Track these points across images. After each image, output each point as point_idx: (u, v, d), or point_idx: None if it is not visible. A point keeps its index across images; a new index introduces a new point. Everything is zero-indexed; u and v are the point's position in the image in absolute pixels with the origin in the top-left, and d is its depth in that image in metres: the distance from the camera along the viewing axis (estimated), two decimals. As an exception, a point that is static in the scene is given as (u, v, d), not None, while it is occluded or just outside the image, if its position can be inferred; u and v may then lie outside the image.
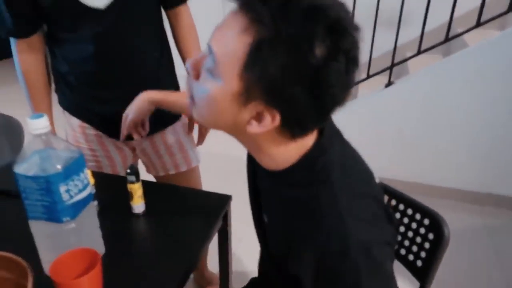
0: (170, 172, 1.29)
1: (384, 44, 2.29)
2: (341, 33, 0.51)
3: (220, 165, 2.45)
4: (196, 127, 1.24)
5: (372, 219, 0.62)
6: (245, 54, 0.51)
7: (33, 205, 0.69)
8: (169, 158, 1.27)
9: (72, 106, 1.18)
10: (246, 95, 0.54)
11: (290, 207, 0.64)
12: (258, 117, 0.56)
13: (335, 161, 0.63)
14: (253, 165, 0.75)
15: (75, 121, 1.19)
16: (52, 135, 0.68)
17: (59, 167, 0.66)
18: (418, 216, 0.94)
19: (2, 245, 0.69)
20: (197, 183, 1.36)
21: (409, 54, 2.19)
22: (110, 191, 0.98)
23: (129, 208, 0.93)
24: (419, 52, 2.09)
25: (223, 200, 0.99)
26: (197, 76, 0.59)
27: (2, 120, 1.73)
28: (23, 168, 0.67)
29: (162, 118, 1.20)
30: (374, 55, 2.27)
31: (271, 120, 0.55)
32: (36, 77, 1.14)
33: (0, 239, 0.76)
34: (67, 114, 1.20)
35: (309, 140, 0.62)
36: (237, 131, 0.60)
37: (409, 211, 0.97)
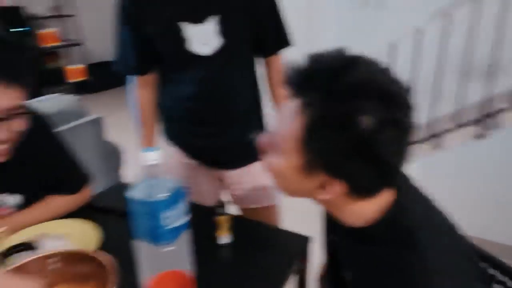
0: (251, 205, 1.36)
1: (476, 94, 2.21)
2: (389, 104, 0.54)
3: (301, 205, 2.46)
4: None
5: (461, 276, 0.60)
6: (302, 133, 0.57)
7: (138, 226, 0.78)
8: (252, 192, 1.33)
9: (171, 136, 1.32)
10: (309, 168, 0.59)
11: (376, 265, 0.64)
12: (324, 186, 0.60)
13: (416, 219, 0.64)
14: (329, 221, 0.78)
15: (172, 150, 1.32)
16: (160, 167, 0.78)
17: (164, 195, 0.75)
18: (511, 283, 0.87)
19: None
20: (277, 220, 1.40)
21: (504, 106, 2.07)
22: (198, 220, 1.06)
23: (215, 238, 0.99)
24: (515, 105, 1.97)
25: (303, 241, 1.01)
26: (269, 151, 0.67)
27: (108, 146, 1.96)
28: (134, 192, 0.76)
29: (250, 153, 1.28)
30: (465, 105, 2.19)
31: (337, 189, 0.59)
32: (148, 108, 1.30)
33: (104, 251, 0.86)
34: (166, 143, 1.33)
35: (386, 196, 0.64)
36: (309, 196, 0.65)
37: (500, 276, 0.91)
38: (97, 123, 1.84)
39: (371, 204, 0.63)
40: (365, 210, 0.64)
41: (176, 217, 0.78)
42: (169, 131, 1.32)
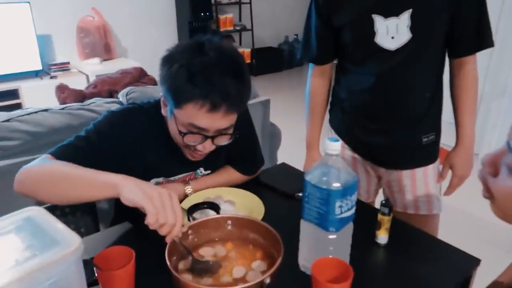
0: (408, 211, 1.30)
1: None
2: None
3: (462, 221, 2.26)
4: (448, 176, 1.21)
5: None
6: None
7: (310, 209, 0.83)
8: (411, 196, 1.28)
9: (339, 127, 1.34)
10: None
11: None
12: None
13: None
14: None
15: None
16: (339, 157, 0.80)
17: (340, 185, 0.78)
18: None
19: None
20: (434, 231, 1.32)
21: None
22: (357, 215, 1.07)
23: (373, 235, 0.99)
24: None
25: (470, 262, 0.93)
26: (495, 173, 0.59)
27: (270, 128, 2.11)
28: (311, 177, 0.81)
29: (416, 157, 1.23)
30: None
31: None
32: (320, 97, 1.35)
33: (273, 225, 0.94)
34: (333, 132, 1.37)
35: None
36: None
37: None
38: (265, 105, 1.98)
39: None
40: None
41: (346, 208, 0.80)
42: (338, 122, 1.34)
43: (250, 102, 2.01)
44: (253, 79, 5.11)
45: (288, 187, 1.21)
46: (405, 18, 1.07)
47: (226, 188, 1.18)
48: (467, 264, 0.93)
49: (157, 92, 1.15)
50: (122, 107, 1.09)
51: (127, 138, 1.02)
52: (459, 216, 2.30)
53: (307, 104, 1.37)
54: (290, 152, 2.17)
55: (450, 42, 1.14)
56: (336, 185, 0.78)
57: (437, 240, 1.05)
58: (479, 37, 1.12)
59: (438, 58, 1.17)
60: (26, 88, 3.79)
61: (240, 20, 5.63)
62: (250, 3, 5.42)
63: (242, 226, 0.91)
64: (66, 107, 1.56)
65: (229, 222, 0.92)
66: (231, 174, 1.22)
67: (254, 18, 5.51)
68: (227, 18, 5.21)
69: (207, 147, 1.00)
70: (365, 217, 1.03)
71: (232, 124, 0.99)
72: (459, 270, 0.92)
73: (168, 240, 0.78)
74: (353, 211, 0.83)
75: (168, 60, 0.93)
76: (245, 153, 1.22)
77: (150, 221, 0.75)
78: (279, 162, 2.22)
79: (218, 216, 0.93)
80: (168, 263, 0.75)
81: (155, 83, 2.68)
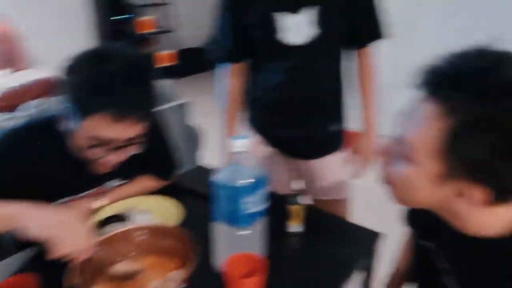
0: (322, 197, 1.37)
1: None
2: None
3: (371, 200, 2.41)
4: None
5: None
6: (442, 140, 0.53)
7: (219, 209, 0.84)
8: (324, 183, 1.35)
9: (255, 125, 1.37)
10: (448, 175, 0.55)
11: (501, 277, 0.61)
12: (462, 193, 0.57)
13: None
14: (426, 225, 0.75)
15: (254, 138, 1.37)
16: (246, 154, 0.82)
17: (247, 181, 0.80)
18: None
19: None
20: (347, 214, 1.40)
21: None
22: (272, 207, 1.10)
23: (286, 226, 1.03)
24: None
25: (372, 236, 1.01)
26: (391, 160, 0.63)
27: (190, 130, 2.09)
28: (219, 176, 0.82)
29: (328, 144, 1.30)
30: None
31: (478, 195, 0.55)
32: (236, 96, 1.36)
33: (183, 228, 0.93)
34: (249, 130, 1.39)
35: None
36: (439, 207, 0.61)
37: None
38: (184, 107, 1.97)
39: (505, 212, 0.59)
40: (498, 218, 0.60)
41: (255, 203, 0.82)
42: (253, 120, 1.37)
43: (168, 105, 1.98)
44: (179, 81, 5.03)
45: (205, 189, 1.21)
46: (309, 14, 1.12)
47: (141, 197, 1.15)
48: (371, 238, 1.01)
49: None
50: (15, 128, 1.01)
51: (23, 161, 0.95)
52: (371, 195, 2.45)
53: (225, 105, 1.37)
54: (214, 154, 2.18)
55: (350, 35, 1.21)
56: (242, 181, 0.79)
57: (345, 221, 1.13)
58: (375, 29, 1.21)
59: (341, 52, 1.24)
60: None
61: (161, 21, 5.51)
62: (170, 4, 5.32)
63: (154, 235, 0.89)
64: (-40, 126, 1.42)
65: (140, 232, 0.90)
66: (145, 181, 1.20)
67: (176, 19, 5.41)
68: (147, 20, 5.07)
69: (116, 158, 0.96)
70: (281, 209, 1.07)
71: (141, 133, 0.96)
72: (364, 245, 1.00)
73: (76, 262, 0.76)
74: (264, 205, 0.86)
75: (70, 70, 0.88)
76: (158, 158, 1.20)
77: (52, 256, 0.74)
78: (199, 164, 2.22)
79: (128, 228, 0.90)
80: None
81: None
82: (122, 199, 1.13)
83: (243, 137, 0.81)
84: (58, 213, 0.78)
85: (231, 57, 1.30)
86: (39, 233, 0.74)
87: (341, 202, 1.37)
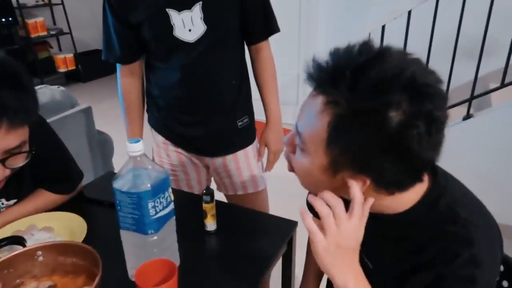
0: (238, 192, 1.37)
1: (465, 74, 2.21)
2: (417, 97, 0.52)
3: (289, 188, 2.50)
4: (265, 154, 1.31)
5: (496, 262, 0.63)
6: (326, 132, 0.56)
7: (125, 217, 0.79)
8: (238, 179, 1.35)
9: (158, 125, 1.32)
10: (334, 167, 0.58)
11: (409, 246, 0.65)
12: (347, 183, 0.59)
13: (455, 196, 0.64)
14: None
15: (160, 138, 1.32)
16: (145, 157, 0.78)
17: (148, 185, 0.76)
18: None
19: (93, 246, 0.80)
20: (264, 206, 1.42)
21: (492, 86, 2.09)
22: (186, 208, 1.07)
23: (202, 225, 1.01)
24: (502, 85, 1.98)
25: (289, 225, 1.03)
26: (293, 150, 0.66)
27: (98, 136, 1.96)
28: (119, 184, 0.77)
29: (235, 141, 1.30)
30: (454, 85, 2.20)
31: (362, 185, 0.58)
32: (133, 97, 1.30)
33: (91, 242, 0.87)
34: (154, 131, 1.34)
35: (423, 182, 0.63)
36: (337, 193, 0.63)
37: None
38: (87, 113, 1.83)
39: (404, 196, 0.62)
40: (397, 201, 0.64)
41: (160, 207, 0.79)
42: (156, 120, 1.32)
43: (70, 111, 1.83)
44: (82, 86, 4.72)
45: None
46: (197, 10, 1.10)
47: (41, 214, 1.05)
48: (289, 227, 1.03)
49: None
50: None
51: None
52: (292, 182, 2.55)
53: (122, 107, 1.31)
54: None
55: (244, 32, 1.22)
56: (144, 186, 0.76)
57: (260, 213, 1.14)
58: (267, 25, 1.23)
59: (237, 47, 1.24)
60: None
61: (54, 23, 5.07)
62: (62, 4, 4.91)
63: (56, 253, 0.82)
64: None
65: (39, 252, 0.81)
66: (41, 197, 1.08)
67: (70, 20, 5.02)
68: (38, 22, 4.63)
69: (1, 173, 0.86)
70: (193, 209, 1.05)
71: (24, 141, 0.87)
72: (282, 235, 1.01)
73: None
74: (171, 207, 0.83)
75: None
76: (55, 170, 1.09)
77: None
78: (115, 171, 2.11)
79: (28, 248, 0.82)
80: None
81: None
82: (18, 218, 1.02)
83: (138, 140, 0.76)
84: None
85: (120, 59, 1.23)
86: None
87: (257, 195, 1.38)
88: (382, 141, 0.53)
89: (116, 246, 0.84)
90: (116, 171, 2.08)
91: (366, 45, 0.57)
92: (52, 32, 4.85)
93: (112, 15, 1.15)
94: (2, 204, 1.02)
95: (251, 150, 1.34)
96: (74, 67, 5.05)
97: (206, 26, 1.12)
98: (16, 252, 0.80)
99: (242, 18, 1.18)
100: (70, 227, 1.00)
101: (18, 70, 0.85)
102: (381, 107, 0.51)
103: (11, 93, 0.79)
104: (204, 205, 0.98)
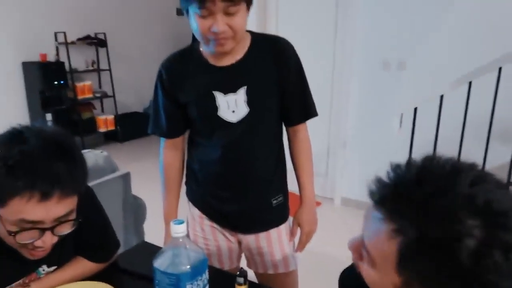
0: (268, 271, 1.36)
1: (498, 157, 2.19)
2: (492, 225, 0.50)
3: (322, 268, 2.43)
4: (298, 233, 1.32)
5: None
6: (395, 257, 0.55)
7: (162, 296, 0.80)
8: (269, 257, 1.34)
9: (196, 199, 1.37)
10: (407, 285, 0.56)
11: None
12: None
13: None
14: None
15: (196, 212, 1.36)
16: (186, 238, 0.82)
17: (188, 267, 0.78)
18: None
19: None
20: (294, 286, 1.39)
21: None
22: (217, 287, 1.07)
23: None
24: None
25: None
26: (360, 258, 0.64)
27: (133, 201, 2.02)
28: (159, 263, 0.80)
29: (269, 219, 1.32)
30: (486, 169, 2.17)
31: None
32: (173, 169, 1.36)
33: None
34: (190, 204, 1.38)
35: None
36: None
37: None
38: (125, 178, 1.91)
39: None
40: None
41: (197, 289, 0.80)
42: (193, 193, 1.37)
43: (111, 176, 1.91)
44: (119, 146, 4.89)
45: (149, 269, 1.16)
46: (241, 93, 1.19)
47: (75, 284, 1.07)
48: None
49: None
50: None
51: None
52: (325, 260, 2.48)
53: (162, 178, 1.37)
54: (158, 226, 2.10)
55: (283, 114, 1.29)
56: (184, 268, 0.78)
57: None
58: (305, 108, 1.30)
59: (276, 128, 1.31)
60: None
61: (100, 87, 5.46)
62: (109, 70, 5.33)
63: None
64: None
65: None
66: (80, 265, 1.11)
67: (115, 84, 5.40)
68: (85, 85, 5.00)
69: (48, 241, 0.89)
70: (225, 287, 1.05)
71: (72, 210, 0.91)
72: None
73: None
74: (206, 289, 0.84)
75: None
76: (93, 239, 1.12)
77: None
78: (147, 236, 2.12)
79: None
80: None
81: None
82: (56, 285, 1.04)
83: (181, 222, 0.80)
84: None
85: (166, 134, 1.32)
86: None
87: (287, 276, 1.36)
88: (454, 269, 0.50)
89: None
90: (146, 236, 2.10)
91: (430, 161, 0.56)
92: (97, 95, 5.20)
93: (162, 93, 1.26)
94: (43, 270, 1.05)
95: (284, 228, 1.35)
96: (113, 128, 5.33)
97: (249, 108, 1.19)
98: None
99: (282, 101, 1.26)
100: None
101: (71, 144, 0.91)
102: (452, 237, 0.50)
103: (64, 165, 0.85)
104: (237, 286, 0.98)
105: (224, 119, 1.20)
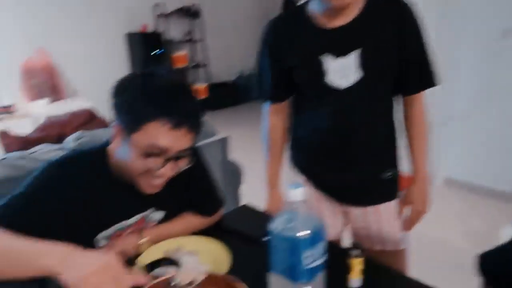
0: (375, 247, 1.27)
1: None
2: None
3: (434, 253, 2.27)
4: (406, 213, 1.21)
5: None
6: None
7: (277, 260, 0.77)
8: (377, 233, 1.25)
9: (300, 166, 1.31)
10: None
11: None
12: None
13: None
14: None
15: (300, 179, 1.31)
16: (303, 204, 0.76)
17: (307, 233, 0.73)
18: None
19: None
20: (402, 267, 1.29)
21: None
22: (329, 259, 1.02)
23: (343, 279, 0.94)
24: None
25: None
26: None
27: (230, 166, 2.05)
28: (276, 226, 0.76)
29: (379, 193, 1.22)
30: None
31: None
32: (277, 134, 1.33)
33: (234, 275, 0.87)
34: (294, 171, 1.33)
35: None
36: None
37: None
38: (223, 143, 1.94)
39: None
40: None
41: (316, 257, 0.75)
42: (298, 161, 1.32)
43: (208, 140, 1.95)
44: (210, 115, 5.09)
45: (252, 231, 1.15)
46: (354, 57, 1.08)
47: (187, 237, 1.10)
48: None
49: (108, 135, 1.11)
50: (61, 157, 1.02)
51: (66, 190, 0.94)
52: (437, 247, 2.32)
53: (265, 143, 1.34)
54: (252, 191, 2.11)
55: (399, 81, 1.16)
56: (303, 233, 0.73)
57: (404, 277, 1.02)
58: (424, 77, 1.16)
59: (389, 96, 1.18)
60: (-35, 135, 3.51)
61: (194, 56, 5.65)
62: (203, 40, 5.47)
63: (207, 284, 0.83)
64: (6, 157, 1.43)
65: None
66: (189, 219, 1.15)
67: (208, 54, 5.54)
68: (180, 55, 5.21)
69: (168, 171, 0.96)
70: (334, 260, 0.99)
71: (191, 146, 0.97)
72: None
73: None
74: (323, 258, 0.78)
75: (121, 87, 0.94)
76: (201, 193, 1.17)
77: None
78: (242, 201, 2.16)
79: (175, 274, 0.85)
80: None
81: (105, 126, 2.57)
82: (167, 237, 1.09)
83: (300, 185, 0.75)
84: (99, 261, 0.70)
85: (271, 98, 1.28)
86: (76, 282, 0.66)
87: (396, 254, 1.27)
88: None
89: (255, 285, 0.81)
90: (242, 202, 2.13)
91: None
92: (192, 64, 5.39)
93: (267, 56, 1.21)
94: (152, 214, 1.10)
95: (394, 205, 1.25)
96: (205, 96, 5.51)
97: (361, 74, 1.09)
98: (169, 276, 0.83)
99: (399, 67, 1.13)
100: (213, 254, 1.02)
101: (191, 88, 1.00)
102: None
103: (191, 102, 0.95)
104: (351, 260, 0.92)
105: (333, 85, 1.11)
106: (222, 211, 1.24)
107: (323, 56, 1.09)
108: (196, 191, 1.14)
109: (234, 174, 2.03)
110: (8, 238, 0.77)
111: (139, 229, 1.08)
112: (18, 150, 2.21)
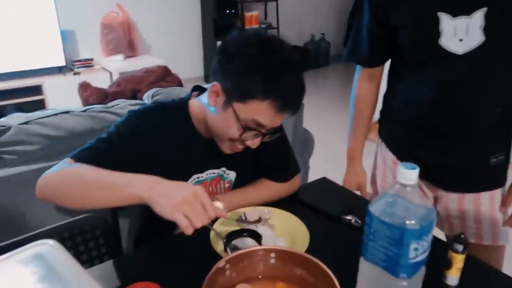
0: (469, 240, 1.13)
1: None
2: None
3: None
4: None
5: None
6: None
7: (375, 249, 0.68)
8: (474, 224, 1.11)
9: (392, 141, 1.19)
10: None
11: None
12: None
13: None
14: None
15: (390, 155, 1.19)
16: (415, 188, 0.66)
17: (416, 222, 0.63)
18: None
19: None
20: (497, 265, 1.15)
21: None
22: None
23: (440, 275, 0.84)
24: None
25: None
26: None
27: (303, 134, 1.96)
28: (379, 210, 0.67)
29: (482, 179, 1.07)
30: None
31: None
32: (367, 104, 1.21)
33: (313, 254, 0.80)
34: (383, 146, 1.21)
35: None
36: None
37: None
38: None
39: None
40: None
41: (421, 250, 0.66)
42: (390, 134, 1.20)
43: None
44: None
45: (332, 207, 1.07)
46: (478, 17, 0.91)
47: (264, 208, 1.04)
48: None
49: (184, 93, 1.11)
50: (144, 106, 1.04)
51: (149, 137, 0.97)
52: None
53: (352, 111, 1.23)
54: (321, 161, 2.01)
55: None
56: (412, 222, 0.63)
57: (505, 276, 0.89)
58: None
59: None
60: (49, 84, 3.75)
61: (266, 18, 5.49)
62: (276, 1, 5.28)
63: (287, 261, 0.77)
64: (88, 109, 1.45)
65: (273, 255, 0.78)
66: (267, 185, 1.11)
67: (280, 17, 5.36)
68: (253, 15, 5.08)
69: (256, 143, 0.96)
70: (432, 252, 0.88)
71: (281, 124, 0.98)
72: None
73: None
74: (427, 252, 0.68)
75: (232, 52, 0.90)
76: (278, 158, 1.13)
77: (186, 232, 0.75)
78: (311, 171, 2.07)
79: (260, 248, 0.80)
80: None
81: (179, 83, 2.57)
82: (244, 204, 1.04)
83: (414, 167, 0.64)
84: (184, 190, 0.76)
85: (365, 61, 1.16)
86: (169, 215, 0.74)
87: (493, 250, 1.13)
88: None
89: (334, 267, 0.73)
90: (311, 171, 2.05)
91: None
92: (263, 26, 5.25)
93: (370, 13, 1.07)
94: (223, 172, 1.08)
95: (499, 194, 1.09)
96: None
97: (484, 37, 0.92)
98: (253, 249, 0.78)
99: None
100: (291, 230, 0.96)
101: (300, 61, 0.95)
102: None
103: (301, 84, 0.93)
104: (452, 254, 0.81)
105: (446, 49, 0.95)
106: (298, 180, 1.18)
107: (441, 14, 0.93)
108: (272, 156, 1.11)
109: (306, 143, 1.94)
110: (97, 170, 0.85)
111: (214, 187, 1.07)
112: (96, 103, 2.29)
